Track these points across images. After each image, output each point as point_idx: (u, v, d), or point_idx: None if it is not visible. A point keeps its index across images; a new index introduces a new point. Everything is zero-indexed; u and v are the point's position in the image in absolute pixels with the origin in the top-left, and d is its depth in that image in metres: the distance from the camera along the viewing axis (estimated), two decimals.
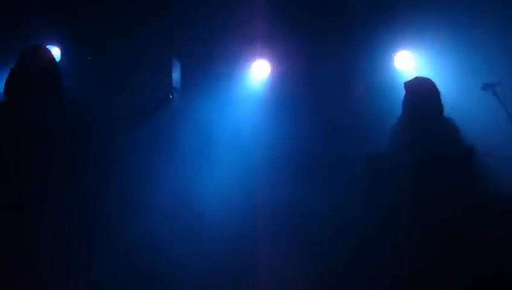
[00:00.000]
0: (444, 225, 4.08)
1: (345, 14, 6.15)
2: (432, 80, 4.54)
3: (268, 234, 5.25)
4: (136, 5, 5.93)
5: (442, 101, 4.44)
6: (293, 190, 5.45)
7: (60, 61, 5.96)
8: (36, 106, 3.82)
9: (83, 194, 3.77)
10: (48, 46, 5.81)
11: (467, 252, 4.08)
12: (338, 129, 5.94)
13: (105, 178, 3.94)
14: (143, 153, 5.59)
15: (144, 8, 5.95)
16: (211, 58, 6.25)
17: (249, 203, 5.52)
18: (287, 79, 6.24)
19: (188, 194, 5.47)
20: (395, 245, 4.06)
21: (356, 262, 4.29)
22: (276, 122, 5.96)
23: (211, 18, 6.10)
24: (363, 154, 4.53)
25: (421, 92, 4.46)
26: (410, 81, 4.60)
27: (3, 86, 3.94)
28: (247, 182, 5.68)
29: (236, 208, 5.46)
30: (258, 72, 6.33)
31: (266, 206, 5.44)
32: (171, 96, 5.89)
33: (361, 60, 6.08)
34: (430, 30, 5.94)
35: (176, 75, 6.19)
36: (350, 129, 5.85)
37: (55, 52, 5.98)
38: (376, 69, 6.07)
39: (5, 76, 3.91)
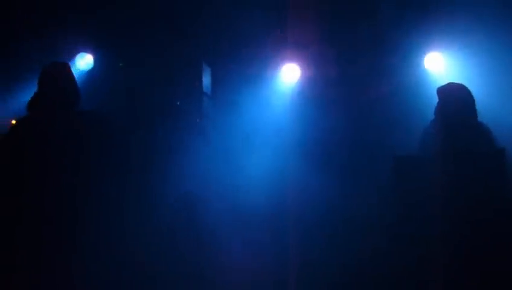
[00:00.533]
0: (475, 227, 4.05)
1: (375, 16, 6.14)
2: (465, 85, 4.50)
3: (297, 234, 5.29)
4: (166, 12, 6.00)
5: (476, 107, 4.42)
6: (321, 191, 5.48)
7: (92, 68, 6.10)
8: (56, 120, 3.94)
9: (104, 201, 3.86)
10: (81, 54, 6.04)
11: (499, 254, 4.05)
12: (367, 130, 5.94)
13: (127, 183, 4.05)
14: (174, 157, 5.67)
15: (173, 14, 6.02)
16: (241, 63, 6.29)
17: (278, 205, 5.56)
18: (316, 82, 6.25)
19: (218, 195, 5.53)
20: (424, 247, 4.05)
21: (383, 264, 4.29)
22: (306, 126, 5.99)
23: (240, 23, 6.14)
24: (391, 155, 4.53)
25: (454, 98, 4.42)
26: (443, 87, 4.56)
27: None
28: (277, 183, 5.73)
29: (267, 209, 5.51)
30: (288, 75, 6.36)
31: (295, 208, 5.48)
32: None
33: (391, 61, 6.05)
34: (460, 31, 5.88)
35: (206, 80, 6.26)
36: (379, 130, 5.84)
37: (89, 59, 6.11)
38: (406, 70, 6.04)
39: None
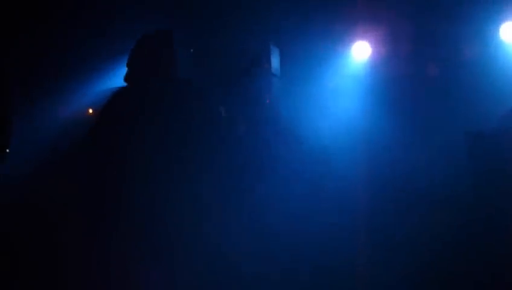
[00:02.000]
0: None
1: None
2: None
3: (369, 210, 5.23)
4: None
5: None
6: (394, 167, 5.41)
7: None
8: (154, 88, 3.88)
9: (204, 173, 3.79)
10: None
11: None
12: (440, 106, 5.78)
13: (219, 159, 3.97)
14: (245, 141, 5.70)
15: None
16: (311, 42, 6.24)
17: (353, 180, 5.52)
18: (388, 58, 6.14)
19: (289, 179, 5.53)
20: (499, 232, 3.90)
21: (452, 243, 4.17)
22: (377, 103, 5.90)
23: (308, 1, 6.09)
24: (464, 131, 4.40)
25: None
26: None
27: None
28: (351, 162, 5.68)
29: (340, 190, 5.47)
30: (359, 53, 6.28)
31: (368, 186, 5.43)
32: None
33: (464, 34, 5.85)
34: None
35: (275, 61, 6.23)
36: (452, 106, 5.68)
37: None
38: (480, 42, 5.82)
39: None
